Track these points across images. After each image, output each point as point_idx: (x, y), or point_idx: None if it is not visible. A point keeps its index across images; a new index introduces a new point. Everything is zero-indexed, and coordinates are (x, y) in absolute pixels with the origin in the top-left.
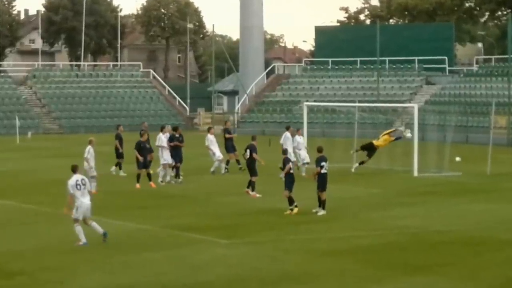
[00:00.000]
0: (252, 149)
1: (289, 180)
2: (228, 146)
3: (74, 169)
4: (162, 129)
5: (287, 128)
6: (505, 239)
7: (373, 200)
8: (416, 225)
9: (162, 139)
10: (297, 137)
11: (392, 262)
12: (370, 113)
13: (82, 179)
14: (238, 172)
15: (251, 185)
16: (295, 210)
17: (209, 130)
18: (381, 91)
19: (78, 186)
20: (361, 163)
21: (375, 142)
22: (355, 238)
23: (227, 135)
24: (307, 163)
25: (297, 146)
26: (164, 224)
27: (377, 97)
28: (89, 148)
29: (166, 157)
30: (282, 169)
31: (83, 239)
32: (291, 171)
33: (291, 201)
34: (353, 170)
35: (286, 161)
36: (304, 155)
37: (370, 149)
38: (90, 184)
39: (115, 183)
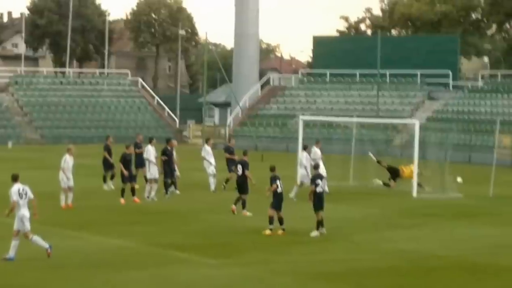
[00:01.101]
0: (244, 165)
1: (276, 199)
2: (230, 165)
3: (15, 178)
4: (150, 141)
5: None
6: (506, 265)
7: (369, 221)
8: (413, 249)
9: (150, 151)
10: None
11: (386, 286)
12: (368, 130)
13: (23, 188)
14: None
15: (242, 203)
16: (280, 232)
17: (207, 141)
18: (381, 105)
19: (20, 195)
20: (386, 184)
21: (404, 168)
22: (349, 261)
23: (228, 155)
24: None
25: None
26: (149, 241)
27: (377, 112)
28: (65, 157)
29: (152, 171)
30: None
31: (11, 254)
32: (279, 190)
33: (271, 220)
34: (374, 184)
35: (272, 180)
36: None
37: (395, 173)
38: (67, 197)
39: (98, 198)
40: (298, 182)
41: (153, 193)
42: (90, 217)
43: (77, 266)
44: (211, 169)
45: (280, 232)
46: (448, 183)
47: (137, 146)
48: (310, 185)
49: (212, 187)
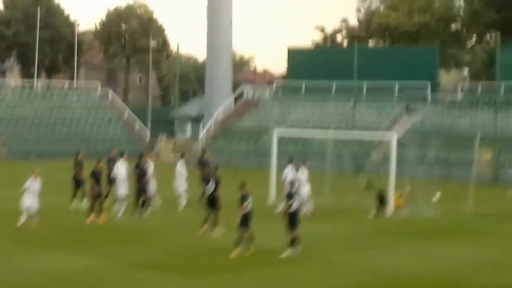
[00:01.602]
0: (218, 181)
1: (244, 218)
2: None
3: None
4: (121, 155)
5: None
6: (484, 284)
7: (343, 241)
8: (390, 269)
9: (120, 167)
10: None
11: None
12: (344, 145)
13: None
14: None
15: (213, 221)
16: (250, 252)
17: (182, 156)
18: (357, 118)
19: None
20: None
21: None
22: (324, 283)
23: (202, 170)
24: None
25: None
26: (118, 262)
27: (353, 125)
28: (30, 180)
29: (121, 189)
30: None
31: None
32: (247, 209)
33: (238, 242)
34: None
35: (242, 199)
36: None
37: (383, 201)
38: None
39: (66, 216)
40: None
41: (120, 213)
42: (57, 236)
43: (42, 287)
44: (183, 188)
45: (250, 252)
46: (426, 200)
47: (111, 161)
48: (286, 203)
49: (182, 207)
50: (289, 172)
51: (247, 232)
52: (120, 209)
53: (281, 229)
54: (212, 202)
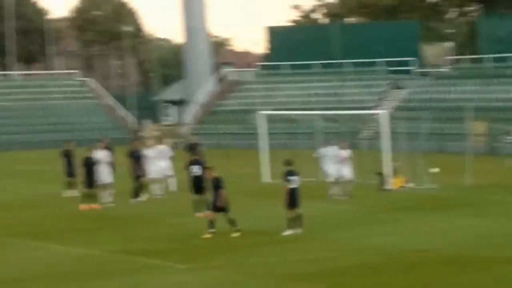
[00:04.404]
0: (202, 164)
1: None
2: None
3: None
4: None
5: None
6: (486, 257)
7: (343, 218)
8: (390, 244)
9: (99, 154)
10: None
11: (365, 285)
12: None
13: None
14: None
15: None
16: (235, 234)
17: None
18: (344, 97)
19: None
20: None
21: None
22: (324, 260)
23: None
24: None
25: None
26: (114, 248)
27: (341, 103)
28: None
29: (102, 176)
30: None
31: None
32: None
33: (211, 224)
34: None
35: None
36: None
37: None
38: None
39: (57, 205)
40: (331, 178)
41: (108, 199)
42: (50, 225)
43: (39, 278)
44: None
45: (235, 234)
46: (423, 174)
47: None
48: (283, 182)
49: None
50: (328, 151)
51: (226, 215)
52: (106, 197)
53: (276, 208)
54: (198, 186)
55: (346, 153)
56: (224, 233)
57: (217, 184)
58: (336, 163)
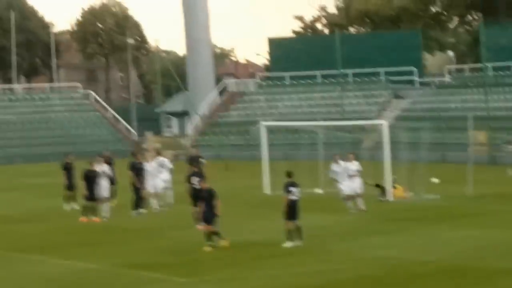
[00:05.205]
0: (201, 176)
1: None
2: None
3: None
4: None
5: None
6: (488, 268)
7: (343, 229)
8: (392, 256)
9: (98, 168)
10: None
11: None
12: (335, 132)
13: None
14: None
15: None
16: (224, 242)
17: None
18: (346, 107)
19: None
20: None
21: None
22: (326, 272)
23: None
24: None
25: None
26: (114, 262)
27: (342, 114)
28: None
29: (98, 191)
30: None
31: None
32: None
33: (208, 236)
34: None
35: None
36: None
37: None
38: None
39: (58, 218)
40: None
41: (106, 214)
42: (50, 239)
43: None
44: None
45: (224, 243)
46: (424, 184)
47: (109, 163)
48: (283, 193)
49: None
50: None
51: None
52: (102, 211)
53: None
54: (198, 197)
55: (354, 166)
56: (223, 246)
57: (209, 195)
58: (346, 178)
